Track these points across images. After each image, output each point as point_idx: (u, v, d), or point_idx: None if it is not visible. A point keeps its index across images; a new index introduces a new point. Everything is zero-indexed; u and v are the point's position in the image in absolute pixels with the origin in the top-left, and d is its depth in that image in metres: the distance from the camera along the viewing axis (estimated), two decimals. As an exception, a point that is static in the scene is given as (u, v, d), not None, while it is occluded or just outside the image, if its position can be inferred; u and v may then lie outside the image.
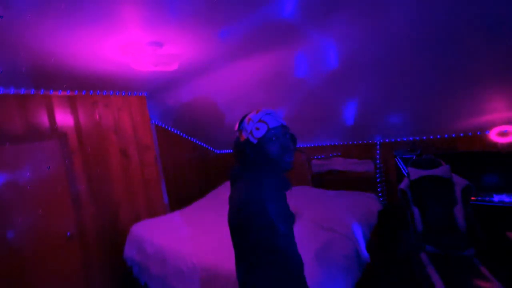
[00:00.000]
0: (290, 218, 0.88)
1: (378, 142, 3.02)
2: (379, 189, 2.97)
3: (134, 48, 1.51)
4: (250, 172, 0.88)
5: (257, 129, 0.86)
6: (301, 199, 2.61)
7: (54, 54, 1.51)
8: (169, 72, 2.14)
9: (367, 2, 1.37)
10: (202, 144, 4.31)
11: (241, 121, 0.92)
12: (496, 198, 2.17)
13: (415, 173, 2.15)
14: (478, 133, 2.41)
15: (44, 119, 2.28)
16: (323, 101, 2.57)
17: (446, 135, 2.59)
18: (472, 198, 2.19)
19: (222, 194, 3.14)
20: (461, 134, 2.51)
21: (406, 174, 2.28)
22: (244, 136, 0.88)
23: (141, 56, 1.55)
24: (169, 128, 3.86)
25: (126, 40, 1.46)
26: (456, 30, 1.50)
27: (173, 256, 1.94)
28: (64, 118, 2.40)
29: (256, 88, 2.51)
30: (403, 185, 2.16)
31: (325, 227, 1.98)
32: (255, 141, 0.86)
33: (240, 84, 2.51)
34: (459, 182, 2.00)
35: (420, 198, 2.10)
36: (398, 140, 2.89)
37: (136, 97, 2.95)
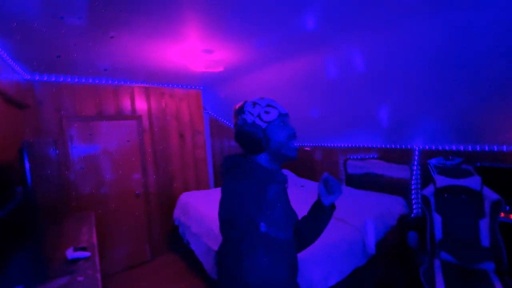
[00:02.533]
0: (288, 219, 0.87)
1: (417, 148, 2.94)
2: (413, 196, 2.92)
3: (191, 53, 1.97)
4: (249, 161, 0.85)
5: (267, 112, 0.83)
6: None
7: (137, 56, 2.10)
8: (218, 72, 2.59)
9: (390, 15, 1.51)
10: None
11: (242, 106, 0.88)
12: (542, 220, 1.99)
13: (442, 180, 2.13)
14: (533, 148, 2.18)
15: (127, 104, 3.03)
16: (357, 102, 2.67)
17: (495, 147, 2.40)
18: (502, 214, 2.06)
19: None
20: (508, 148, 2.30)
21: (432, 181, 2.26)
22: (248, 120, 0.84)
23: (196, 60, 2.01)
24: (220, 118, 4.43)
25: (186, 48, 1.93)
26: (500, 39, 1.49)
27: (207, 218, 2.43)
28: (140, 104, 3.12)
29: (291, 88, 2.78)
30: (426, 191, 2.16)
31: (336, 217, 2.17)
32: (263, 125, 0.82)
33: (277, 84, 2.82)
34: (490, 195, 1.92)
35: (444, 207, 2.09)
36: (440, 148, 2.78)
37: (194, 90, 3.54)
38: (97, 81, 2.79)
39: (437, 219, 2.09)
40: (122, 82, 2.96)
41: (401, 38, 1.73)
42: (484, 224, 1.92)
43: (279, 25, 1.61)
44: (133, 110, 3.07)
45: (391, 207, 2.47)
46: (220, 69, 2.10)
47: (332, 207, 0.91)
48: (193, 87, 3.52)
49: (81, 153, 2.74)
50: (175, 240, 3.26)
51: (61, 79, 2.59)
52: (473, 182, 2.01)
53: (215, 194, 3.15)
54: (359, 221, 2.09)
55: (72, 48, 1.76)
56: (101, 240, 2.34)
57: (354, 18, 1.55)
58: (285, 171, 3.81)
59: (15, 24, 1.37)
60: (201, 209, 2.64)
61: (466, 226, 1.98)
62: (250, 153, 0.85)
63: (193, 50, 1.96)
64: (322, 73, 2.41)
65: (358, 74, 2.23)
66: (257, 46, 1.93)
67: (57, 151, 2.42)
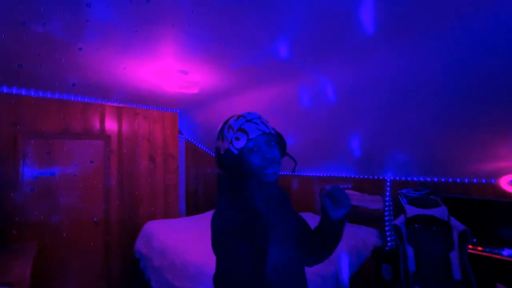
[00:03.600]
0: (287, 233, 0.80)
1: (388, 179, 3.01)
2: (387, 228, 2.90)
3: (165, 73, 1.95)
4: (229, 185, 0.83)
5: (237, 139, 0.79)
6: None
7: (109, 73, 2.03)
8: (195, 94, 2.58)
9: (354, 49, 1.62)
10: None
11: (221, 129, 0.86)
12: (507, 252, 2.03)
13: (412, 210, 2.14)
14: (493, 180, 2.31)
15: (96, 123, 2.86)
16: (329, 132, 2.74)
17: (458, 179, 2.52)
18: (479, 248, 2.08)
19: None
20: (475, 180, 2.42)
21: (403, 211, 2.27)
22: (225, 145, 0.83)
23: (170, 80, 1.98)
24: (197, 143, 4.33)
25: (160, 67, 1.91)
26: (467, 78, 1.60)
27: (171, 251, 2.20)
28: (111, 124, 2.97)
29: (267, 114, 2.81)
30: (398, 221, 2.16)
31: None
32: (236, 152, 0.79)
33: (253, 109, 2.84)
34: (457, 226, 1.95)
35: (415, 238, 2.07)
36: (409, 179, 2.86)
37: (170, 113, 3.47)
38: (65, 97, 2.64)
39: (410, 250, 2.05)
40: (93, 100, 2.83)
41: (370, 71, 1.85)
42: (454, 256, 1.91)
43: (254, 50, 1.65)
44: (102, 129, 2.90)
45: (366, 238, 2.42)
46: (195, 91, 2.08)
47: (342, 221, 0.85)
48: (170, 109, 3.45)
49: (35, 173, 2.46)
50: (135, 275, 2.90)
51: (23, 92, 2.42)
52: (440, 212, 2.04)
53: (184, 224, 2.92)
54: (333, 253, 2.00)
55: (35, 58, 1.66)
56: (44, 275, 2.01)
57: (323, 49, 1.63)
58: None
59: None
60: (165, 240, 2.41)
61: (437, 258, 1.96)
62: (233, 177, 0.82)
63: (168, 70, 1.94)
64: (296, 102, 2.48)
65: (329, 104, 2.32)
66: (232, 70, 1.95)
67: (2, 170, 2.16)
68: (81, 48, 1.55)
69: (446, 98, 1.81)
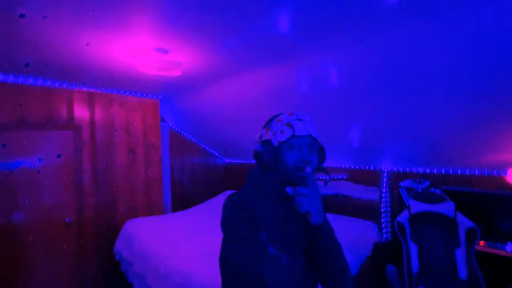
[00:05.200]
0: (297, 241, 0.77)
1: (386, 170, 2.88)
2: (382, 220, 2.80)
3: (140, 52, 1.62)
4: (257, 176, 0.82)
5: (282, 132, 0.78)
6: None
7: (73, 51, 1.67)
8: (178, 78, 2.25)
9: (366, 28, 1.37)
10: (210, 150, 4.40)
11: (271, 120, 0.84)
12: (510, 247, 1.95)
13: (416, 206, 2.01)
14: (495, 172, 2.21)
15: (63, 111, 2.48)
16: (327, 120, 2.53)
17: (459, 171, 2.41)
18: (481, 243, 1.99)
19: (218, 203, 3.14)
20: (476, 171, 2.31)
21: (406, 206, 2.13)
22: (268, 135, 0.81)
23: (146, 60, 1.66)
24: (181, 132, 4.00)
25: (134, 45, 1.58)
26: (474, 64, 1.43)
27: (154, 256, 1.96)
28: (81, 112, 2.59)
29: (260, 101, 2.55)
30: (401, 217, 2.02)
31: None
32: (275, 144, 0.78)
33: (245, 96, 2.57)
34: (464, 222, 1.83)
35: (419, 235, 1.95)
36: (408, 170, 2.74)
37: (150, 99, 3.11)
38: (20, 81, 2.23)
39: (413, 249, 1.93)
40: (58, 85, 2.44)
41: (378, 54, 1.61)
42: (460, 254, 1.80)
43: (247, 22, 1.36)
44: (70, 118, 2.52)
45: (365, 233, 2.28)
46: (177, 73, 1.77)
47: (324, 224, 0.72)
48: (150, 95, 3.09)
49: (-12, 170, 2.09)
50: (115, 279, 2.65)
51: (-34, 74, 2.00)
52: (447, 208, 1.91)
53: (170, 222, 2.67)
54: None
55: (-34, 28, 1.29)
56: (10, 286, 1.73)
57: (330, 25, 1.37)
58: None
59: None
60: (147, 243, 2.16)
61: (442, 256, 1.85)
62: (262, 168, 0.81)
63: (143, 48, 1.61)
64: (292, 86, 2.23)
65: (330, 89, 2.08)
66: (221, 48, 1.65)
67: None
68: (23, 15, 1.20)
69: (455, 84, 1.62)
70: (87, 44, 1.54)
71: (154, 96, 3.13)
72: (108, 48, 1.62)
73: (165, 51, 1.66)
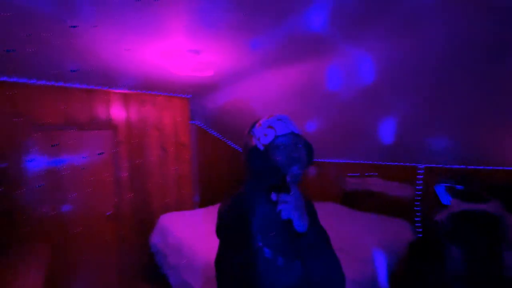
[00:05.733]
0: (292, 244, 0.75)
1: (421, 166, 2.73)
2: (416, 219, 2.67)
3: (174, 54, 1.68)
4: (249, 181, 0.84)
5: (265, 135, 0.80)
6: (322, 219, 2.51)
7: (111, 56, 1.78)
8: (208, 78, 2.31)
9: (406, 18, 1.30)
10: (237, 148, 4.47)
11: (252, 126, 0.86)
12: None
13: (458, 205, 1.89)
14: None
15: (102, 112, 2.66)
16: (358, 116, 2.45)
17: (503, 167, 2.22)
18: None
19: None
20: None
21: (446, 205, 2.02)
22: (253, 142, 0.82)
23: (180, 62, 1.72)
24: (209, 130, 4.11)
25: (168, 47, 1.64)
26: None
27: (188, 250, 2.05)
28: (117, 112, 2.76)
29: (288, 97, 2.53)
30: (440, 217, 1.91)
31: (337, 248, 1.86)
32: (262, 148, 0.79)
33: (273, 93, 2.57)
34: (514, 223, 1.69)
35: (461, 235, 1.84)
36: (446, 166, 2.57)
37: (180, 98, 3.23)
38: (66, 84, 2.42)
39: (455, 250, 1.82)
40: (97, 87, 2.61)
41: (420, 44, 1.52)
42: (509, 257, 1.67)
43: (280, 21, 1.36)
44: (109, 118, 2.70)
45: (399, 233, 2.20)
46: (210, 73, 1.81)
47: (308, 232, 0.71)
48: (180, 95, 3.20)
49: (40, 167, 2.31)
50: (152, 269, 2.82)
51: (22, 81, 2.21)
52: (493, 207, 1.78)
53: (200, 216, 2.77)
54: (363, 251, 1.80)
55: (25, 40, 1.43)
56: (56, 274, 1.92)
57: (366, 17, 1.32)
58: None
59: None
60: (181, 236, 2.26)
61: (488, 258, 1.73)
62: (252, 174, 0.83)
63: (177, 50, 1.67)
64: (323, 82, 2.18)
65: (361, 84, 2.01)
66: (252, 47, 1.66)
67: (6, 164, 2.01)
68: (74, 26, 1.30)
69: (497, 74, 1.49)
70: (127, 50, 1.63)
71: (184, 95, 3.23)
72: (144, 51, 1.70)
73: (197, 52, 1.70)
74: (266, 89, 2.55)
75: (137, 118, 2.89)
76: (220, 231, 0.83)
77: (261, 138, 0.80)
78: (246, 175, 0.86)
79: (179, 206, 3.16)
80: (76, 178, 2.48)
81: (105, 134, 2.69)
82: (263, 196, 0.77)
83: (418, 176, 2.74)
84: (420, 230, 2.60)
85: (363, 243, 1.87)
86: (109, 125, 2.70)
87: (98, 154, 2.60)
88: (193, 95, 3.27)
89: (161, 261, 2.48)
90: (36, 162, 2.28)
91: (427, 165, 2.68)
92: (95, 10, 1.18)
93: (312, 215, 0.79)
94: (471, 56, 1.45)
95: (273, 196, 0.70)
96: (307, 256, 0.72)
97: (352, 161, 3.30)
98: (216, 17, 1.30)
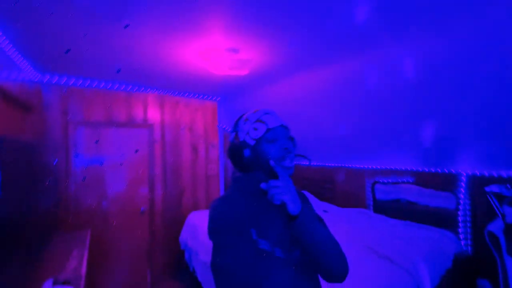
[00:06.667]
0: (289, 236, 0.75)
1: (464, 174, 2.53)
2: (460, 230, 2.46)
3: (213, 53, 1.74)
4: (239, 178, 0.85)
5: (255, 129, 0.79)
6: (355, 222, 2.40)
7: (154, 56, 1.88)
8: (239, 79, 2.35)
9: (453, 13, 1.24)
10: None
11: (236, 122, 0.86)
12: None
13: (513, 214, 1.71)
14: None
15: (139, 112, 2.81)
16: (395, 117, 2.35)
17: None
18: None
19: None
20: None
21: (500, 215, 1.84)
22: (240, 137, 0.82)
23: (218, 60, 1.77)
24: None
25: (207, 46, 1.70)
26: None
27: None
28: (153, 112, 2.90)
29: (316, 101, 2.50)
30: (493, 227, 1.74)
31: (380, 253, 1.76)
32: (252, 142, 0.79)
33: (304, 96, 2.54)
34: None
35: (518, 248, 1.65)
36: (493, 174, 2.36)
37: (210, 101, 3.32)
38: (109, 87, 2.60)
39: (510, 263, 1.64)
40: (136, 89, 2.77)
41: (468, 39, 1.43)
42: None
43: (322, 18, 1.35)
44: (145, 118, 2.84)
45: (443, 243, 2.03)
46: (246, 72, 1.85)
47: (302, 213, 0.70)
48: (209, 97, 3.30)
49: (85, 162, 2.48)
50: (180, 266, 2.87)
51: (71, 82, 2.41)
52: (558, 218, 1.59)
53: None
54: (407, 261, 1.68)
55: (81, 40, 1.56)
56: (94, 261, 2.02)
57: (407, 14, 1.27)
58: (305, 193, 3.42)
59: (15, 4, 1.17)
60: (212, 233, 2.28)
61: (553, 276, 1.53)
62: (242, 170, 0.83)
63: (215, 49, 1.73)
64: (358, 82, 2.12)
65: (403, 82, 1.93)
66: (290, 45, 1.67)
67: (57, 159, 2.18)
68: (127, 26, 1.39)
69: None
70: (170, 49, 1.71)
71: (213, 98, 3.32)
72: (183, 51, 1.78)
73: (236, 51, 1.75)
74: (295, 90, 2.53)
75: (171, 119, 3.01)
76: (213, 232, 0.82)
77: (251, 132, 0.79)
78: (233, 173, 0.87)
79: (208, 203, 3.21)
80: (115, 173, 2.61)
81: (141, 133, 2.83)
82: (253, 191, 0.78)
83: (460, 184, 2.54)
84: (467, 242, 2.38)
85: (406, 251, 1.75)
86: (145, 124, 2.84)
87: (135, 151, 2.73)
88: (221, 99, 3.34)
89: (190, 259, 2.51)
90: (81, 157, 2.45)
91: (471, 172, 2.48)
92: (148, 8, 1.25)
93: (305, 203, 0.79)
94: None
95: (263, 185, 0.70)
96: (303, 239, 0.70)
97: (385, 167, 3.14)
98: (254, 13, 1.32)
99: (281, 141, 0.79)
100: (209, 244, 2.19)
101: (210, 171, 3.26)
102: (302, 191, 0.87)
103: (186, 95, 3.13)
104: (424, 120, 2.21)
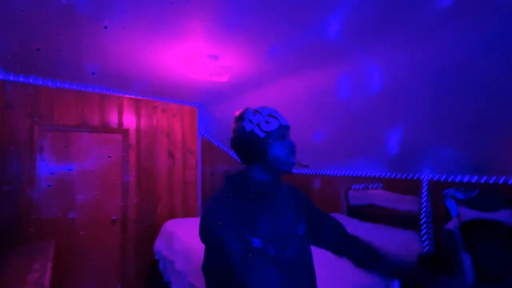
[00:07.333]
0: (285, 234, 0.78)
1: (425, 178, 2.76)
2: (423, 231, 2.65)
3: (194, 58, 1.76)
4: (239, 174, 0.84)
5: (267, 122, 0.79)
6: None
7: (132, 59, 1.86)
8: (219, 85, 2.39)
9: (417, 28, 1.40)
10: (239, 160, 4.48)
11: (243, 112, 0.84)
12: None
13: (468, 214, 1.90)
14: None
15: (114, 116, 2.71)
16: (365, 126, 2.52)
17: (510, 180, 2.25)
18: None
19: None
20: (533, 181, 2.15)
21: (456, 214, 2.03)
22: (247, 127, 0.80)
23: (199, 66, 1.80)
24: (212, 140, 4.15)
25: (189, 51, 1.72)
26: None
27: (196, 255, 2.01)
28: (129, 117, 2.81)
29: (295, 109, 2.60)
30: (451, 225, 1.91)
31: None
32: (262, 135, 0.78)
33: (281, 104, 2.60)
34: (525, 232, 1.70)
35: (473, 244, 1.83)
36: (451, 179, 2.60)
37: (189, 107, 3.30)
38: (83, 88, 2.49)
39: (467, 259, 1.81)
40: (111, 92, 2.68)
41: (431, 53, 1.61)
42: (523, 267, 1.66)
43: (299, 28, 1.45)
44: (120, 123, 2.75)
45: (408, 244, 2.18)
46: (225, 78, 1.89)
47: None
48: (189, 103, 3.28)
49: (51, 167, 2.32)
50: (152, 277, 2.74)
51: (40, 82, 2.28)
52: (505, 215, 1.79)
53: (206, 223, 2.74)
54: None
55: (55, 39, 1.50)
56: (59, 275, 1.87)
57: (381, 26, 1.42)
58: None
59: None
60: (189, 242, 2.22)
61: (502, 267, 1.71)
62: (245, 161, 0.83)
63: (196, 54, 1.76)
64: (333, 91, 2.26)
65: (372, 93, 2.09)
66: (269, 54, 1.75)
67: (18, 164, 2.02)
68: (106, 27, 1.38)
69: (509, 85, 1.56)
70: (150, 52, 1.71)
71: (193, 104, 3.31)
72: (164, 55, 1.79)
73: (216, 57, 1.79)
74: (272, 100, 2.62)
75: (148, 124, 2.94)
76: (205, 233, 0.80)
77: (262, 125, 0.79)
78: (226, 171, 0.90)
79: (184, 213, 3.13)
80: (85, 180, 2.47)
81: (115, 138, 2.72)
82: (246, 189, 0.79)
83: (422, 188, 2.76)
84: (428, 242, 2.57)
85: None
86: (120, 129, 2.74)
87: (108, 157, 2.62)
88: (201, 104, 3.34)
89: (165, 268, 2.42)
90: (48, 162, 2.29)
91: (431, 177, 2.71)
92: (130, 9, 1.26)
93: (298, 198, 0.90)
94: (483, 63, 1.52)
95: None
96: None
97: (358, 174, 3.32)
98: (235, 20, 1.38)
99: (289, 140, 0.83)
100: (186, 253, 2.14)
101: (187, 178, 3.20)
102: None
103: (164, 99, 3.09)
104: (391, 128, 2.40)
